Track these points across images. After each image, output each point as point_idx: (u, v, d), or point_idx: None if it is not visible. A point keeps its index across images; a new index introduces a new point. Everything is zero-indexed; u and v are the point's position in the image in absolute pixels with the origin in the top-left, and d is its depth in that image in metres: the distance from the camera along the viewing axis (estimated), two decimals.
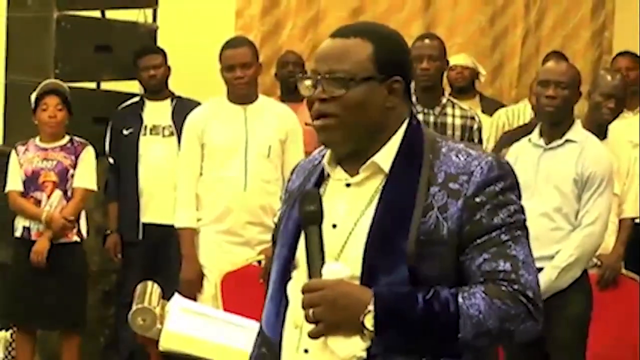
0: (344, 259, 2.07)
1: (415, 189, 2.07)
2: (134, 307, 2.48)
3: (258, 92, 5.00)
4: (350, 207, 2.11)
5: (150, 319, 2.47)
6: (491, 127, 5.99)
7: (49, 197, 5.15)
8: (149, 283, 2.72)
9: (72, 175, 5.20)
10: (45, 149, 5.21)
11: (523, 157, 4.29)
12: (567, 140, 4.28)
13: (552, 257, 4.14)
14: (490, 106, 6.50)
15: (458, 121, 4.97)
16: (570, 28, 7.85)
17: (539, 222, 4.06)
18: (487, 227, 2.05)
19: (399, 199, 2.08)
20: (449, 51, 5.18)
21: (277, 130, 4.90)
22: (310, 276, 2.05)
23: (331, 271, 2.03)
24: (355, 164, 2.13)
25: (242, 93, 4.83)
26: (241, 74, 4.77)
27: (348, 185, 2.14)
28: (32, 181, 5.16)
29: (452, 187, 2.06)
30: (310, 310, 2.01)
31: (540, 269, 3.64)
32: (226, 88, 4.86)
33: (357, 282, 2.04)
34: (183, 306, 2.67)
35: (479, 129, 5.04)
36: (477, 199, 2.05)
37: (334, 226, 2.11)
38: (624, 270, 4.93)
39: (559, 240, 4.18)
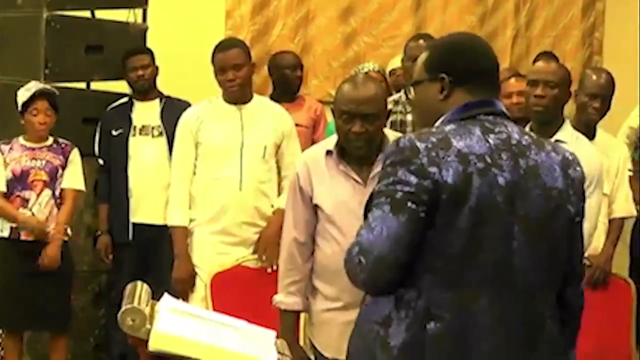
0: None
1: None
2: (123, 307, 2.48)
3: (252, 91, 4.99)
4: None
5: (139, 319, 2.47)
6: None
7: (38, 196, 5.14)
8: (139, 283, 2.72)
9: (61, 176, 5.19)
10: (33, 149, 5.20)
11: None
12: (556, 141, 4.27)
13: None
14: None
15: None
16: (560, 28, 7.86)
17: None
18: (374, 192, 2.41)
19: None
20: None
21: (273, 131, 4.87)
22: None
23: None
24: None
25: (236, 94, 4.82)
26: (233, 77, 4.75)
27: None
28: (19, 180, 5.14)
29: None
30: None
31: None
32: (221, 89, 4.85)
33: None
34: (172, 306, 2.66)
35: None
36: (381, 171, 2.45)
37: None
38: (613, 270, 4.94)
39: None
